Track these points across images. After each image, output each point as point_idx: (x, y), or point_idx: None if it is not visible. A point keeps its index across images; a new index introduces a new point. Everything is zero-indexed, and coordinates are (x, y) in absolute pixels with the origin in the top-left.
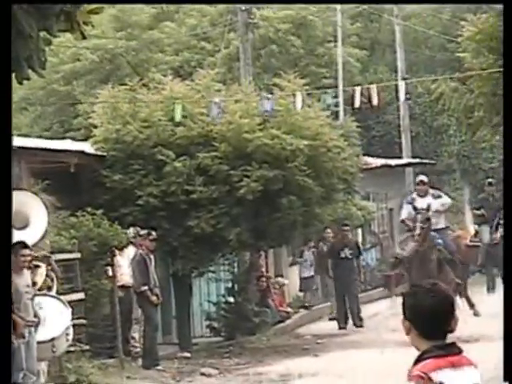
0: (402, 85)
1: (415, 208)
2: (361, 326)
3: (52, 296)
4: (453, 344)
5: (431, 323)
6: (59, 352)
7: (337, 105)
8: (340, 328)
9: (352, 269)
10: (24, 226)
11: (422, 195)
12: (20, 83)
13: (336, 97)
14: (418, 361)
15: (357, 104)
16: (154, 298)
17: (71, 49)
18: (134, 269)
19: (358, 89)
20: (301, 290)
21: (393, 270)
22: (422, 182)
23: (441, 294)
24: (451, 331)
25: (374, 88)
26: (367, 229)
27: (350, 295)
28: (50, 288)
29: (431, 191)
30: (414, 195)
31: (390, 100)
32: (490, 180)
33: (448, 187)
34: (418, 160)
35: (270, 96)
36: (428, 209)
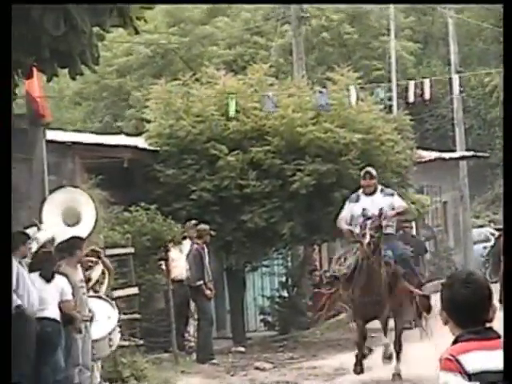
0: (455, 78)
1: (363, 210)
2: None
3: (101, 297)
4: (489, 328)
5: (467, 314)
6: (100, 355)
7: (390, 98)
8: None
9: (413, 267)
10: (75, 223)
11: (369, 193)
12: (73, 78)
13: (389, 90)
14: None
15: (411, 99)
16: (208, 292)
17: (124, 44)
18: (190, 263)
19: (411, 83)
20: None
21: (327, 289)
22: (369, 174)
23: (476, 284)
24: (490, 320)
25: (427, 82)
26: (421, 222)
27: None
28: (101, 284)
29: (380, 188)
30: (360, 193)
31: (443, 93)
32: None
33: (502, 180)
34: (471, 153)
35: (323, 90)
36: (380, 214)
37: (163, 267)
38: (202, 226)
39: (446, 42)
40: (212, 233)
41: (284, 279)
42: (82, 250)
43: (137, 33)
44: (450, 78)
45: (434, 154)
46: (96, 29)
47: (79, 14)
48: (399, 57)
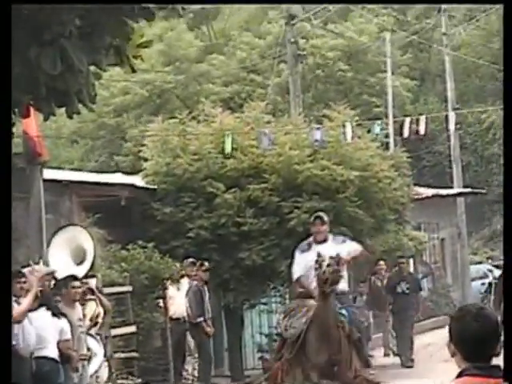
0: (452, 115)
1: (318, 257)
2: (410, 367)
3: (87, 334)
4: (496, 366)
5: (476, 348)
6: None
7: (387, 135)
8: (403, 365)
9: (408, 305)
10: (82, 261)
11: (321, 240)
12: (70, 117)
13: (386, 127)
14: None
15: (406, 134)
16: (208, 329)
17: (121, 82)
18: (190, 300)
19: (407, 119)
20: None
21: (275, 357)
22: (319, 219)
23: (487, 319)
24: (497, 355)
25: (422, 118)
26: (419, 259)
27: (404, 334)
28: (97, 322)
29: (331, 236)
30: (311, 241)
31: (440, 130)
32: None
33: (499, 217)
34: (469, 190)
35: (319, 126)
36: (338, 261)
37: (161, 305)
38: (199, 262)
39: (443, 79)
40: (208, 267)
41: (282, 316)
42: (76, 288)
43: (133, 71)
44: (447, 115)
45: (431, 191)
46: (93, 67)
47: (76, 52)
48: (396, 94)
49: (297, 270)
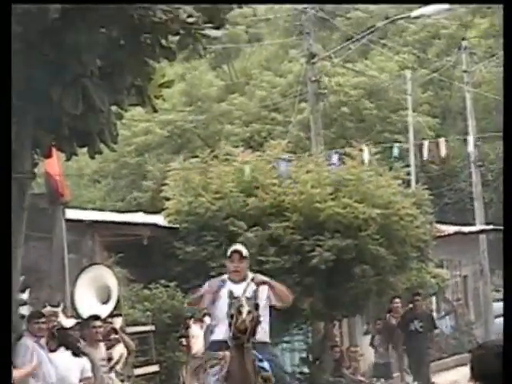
0: (473, 152)
1: (231, 294)
2: None
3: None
4: None
5: None
6: None
7: (409, 173)
8: None
9: (422, 343)
10: (106, 300)
11: (238, 280)
12: (92, 157)
13: (408, 165)
14: None
15: (425, 155)
16: None
17: (143, 122)
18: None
19: (426, 143)
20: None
21: None
22: (238, 254)
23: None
24: None
25: (442, 141)
26: (441, 296)
27: (420, 373)
28: (119, 362)
29: (251, 276)
30: (225, 278)
31: (462, 167)
32: None
33: None
34: (491, 227)
35: (337, 152)
36: (255, 298)
37: (184, 344)
38: None
39: (464, 117)
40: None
41: (305, 355)
42: (97, 328)
43: (155, 111)
44: (469, 153)
45: (453, 228)
46: (114, 108)
47: (97, 92)
48: (418, 131)
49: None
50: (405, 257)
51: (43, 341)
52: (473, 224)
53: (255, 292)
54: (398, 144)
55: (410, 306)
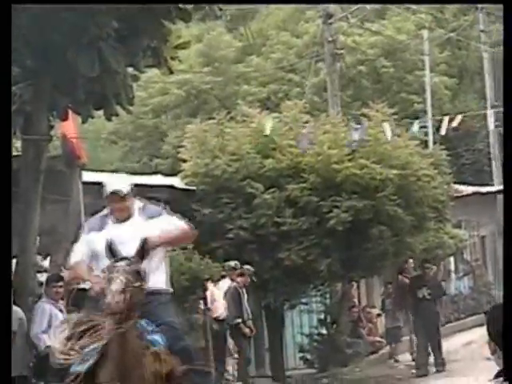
0: (491, 112)
1: (110, 246)
2: (442, 371)
3: None
4: None
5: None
6: None
7: (426, 134)
8: (418, 376)
9: (431, 311)
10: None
11: (122, 219)
12: (108, 119)
13: (425, 126)
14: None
15: (443, 132)
16: (247, 331)
17: (159, 84)
18: (228, 302)
19: (446, 118)
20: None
21: None
22: (116, 196)
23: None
24: None
25: (459, 117)
26: (459, 257)
27: (431, 341)
28: None
29: (141, 206)
30: (106, 217)
31: (479, 127)
32: None
33: None
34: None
35: (358, 126)
36: (142, 250)
37: (201, 306)
38: (247, 267)
39: (482, 77)
40: (251, 272)
41: (322, 316)
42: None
43: (171, 73)
44: (486, 113)
45: (471, 189)
46: (130, 69)
47: (113, 55)
48: (435, 92)
49: (72, 256)
50: (422, 217)
51: (62, 303)
52: (491, 184)
53: (142, 227)
54: (417, 120)
55: (419, 272)
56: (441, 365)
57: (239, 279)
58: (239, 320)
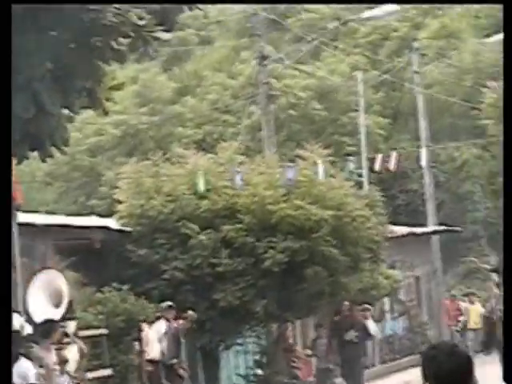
0: (425, 153)
1: None
2: None
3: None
4: None
5: None
6: None
7: (360, 175)
8: None
9: (357, 354)
10: (58, 304)
11: None
12: (43, 161)
13: (360, 167)
14: None
15: (377, 168)
16: (182, 372)
17: (95, 124)
18: (168, 343)
19: (379, 155)
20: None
21: None
22: None
23: (460, 356)
24: None
25: (394, 154)
26: (394, 297)
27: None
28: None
29: None
30: None
31: (413, 168)
32: None
33: (474, 254)
34: (443, 227)
35: (292, 165)
36: None
37: (137, 347)
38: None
39: (416, 118)
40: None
41: (258, 357)
42: (56, 333)
43: (106, 114)
44: (419, 152)
45: (405, 229)
46: (65, 111)
47: (48, 96)
48: (369, 133)
49: None
50: (357, 258)
51: None
52: (425, 225)
53: None
54: (351, 157)
55: (344, 314)
56: None
57: (181, 322)
58: (175, 361)
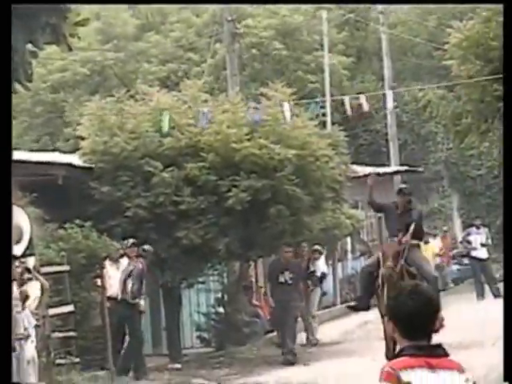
0: (388, 93)
1: None
2: (292, 363)
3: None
4: (437, 346)
5: (412, 324)
6: None
7: (324, 114)
8: (284, 363)
9: (290, 296)
10: (18, 240)
11: None
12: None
13: (323, 107)
14: (394, 358)
15: (348, 112)
16: (142, 309)
17: (59, 61)
18: (133, 280)
19: (347, 98)
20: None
21: None
22: None
23: (422, 295)
24: (435, 331)
25: (363, 96)
26: (356, 237)
27: (286, 327)
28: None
29: None
30: None
31: (377, 108)
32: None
33: (436, 194)
34: (405, 168)
35: (257, 105)
36: None
37: (99, 284)
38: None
39: (380, 57)
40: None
41: (220, 295)
42: (16, 268)
43: (70, 50)
44: (384, 93)
45: (368, 169)
46: (29, 46)
47: (12, 31)
48: (333, 72)
49: None
50: (320, 197)
51: None
52: (387, 165)
53: None
54: (316, 100)
55: (277, 256)
56: (292, 354)
57: (140, 260)
58: (139, 299)
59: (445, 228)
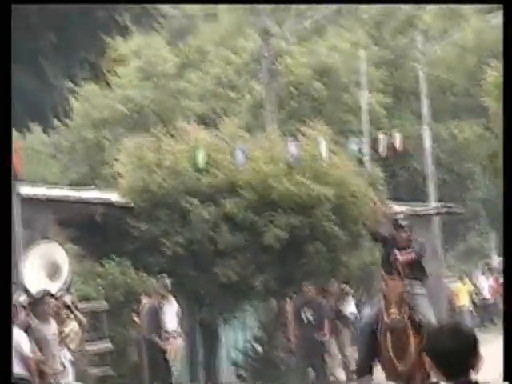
0: (426, 131)
1: None
2: None
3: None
4: (474, 383)
5: (451, 364)
6: None
7: (361, 152)
8: None
9: (311, 335)
10: (56, 277)
11: None
12: (45, 132)
13: (361, 143)
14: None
15: (382, 151)
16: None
17: (99, 98)
18: (147, 316)
19: (382, 136)
20: None
21: None
22: None
23: (463, 335)
24: (475, 370)
25: (398, 135)
26: None
27: (316, 366)
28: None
29: None
30: None
31: (415, 146)
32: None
33: (474, 232)
34: (445, 208)
35: (294, 140)
36: None
37: (136, 320)
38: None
39: (417, 96)
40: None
41: (257, 332)
42: (50, 304)
43: (108, 86)
44: (422, 132)
45: (405, 208)
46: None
47: (50, 67)
48: (371, 111)
49: None
50: (357, 235)
51: None
52: (426, 203)
53: None
54: (355, 139)
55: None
56: None
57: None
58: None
59: (494, 265)
